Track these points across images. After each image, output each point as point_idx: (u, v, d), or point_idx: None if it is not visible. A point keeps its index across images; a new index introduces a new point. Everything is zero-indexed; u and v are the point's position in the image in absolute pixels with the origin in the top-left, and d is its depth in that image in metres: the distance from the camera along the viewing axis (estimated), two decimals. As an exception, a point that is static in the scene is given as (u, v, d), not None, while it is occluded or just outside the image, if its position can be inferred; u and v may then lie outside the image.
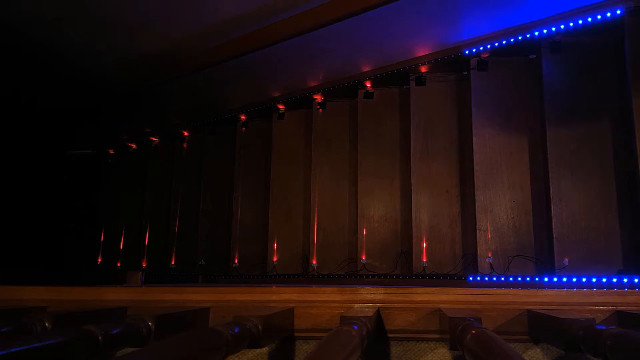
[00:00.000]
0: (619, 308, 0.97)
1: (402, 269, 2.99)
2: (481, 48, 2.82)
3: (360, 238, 3.09)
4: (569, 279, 2.38)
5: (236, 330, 0.72)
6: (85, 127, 4.55)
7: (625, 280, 2.28)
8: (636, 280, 2.25)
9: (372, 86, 3.25)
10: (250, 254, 3.56)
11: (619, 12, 2.45)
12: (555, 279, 2.41)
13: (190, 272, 3.76)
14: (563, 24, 2.59)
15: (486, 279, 2.61)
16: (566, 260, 2.45)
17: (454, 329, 0.78)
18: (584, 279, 2.35)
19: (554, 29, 2.62)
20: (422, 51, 2.98)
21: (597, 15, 2.50)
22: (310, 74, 3.32)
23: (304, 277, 3.23)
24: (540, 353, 0.97)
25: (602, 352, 0.69)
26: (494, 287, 1.01)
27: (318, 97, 3.44)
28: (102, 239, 4.45)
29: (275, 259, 3.37)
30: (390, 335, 1.01)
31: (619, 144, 2.52)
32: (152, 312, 0.84)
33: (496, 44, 2.78)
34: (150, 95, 3.68)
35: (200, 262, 3.75)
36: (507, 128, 2.82)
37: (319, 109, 3.46)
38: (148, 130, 4.31)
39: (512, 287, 1.01)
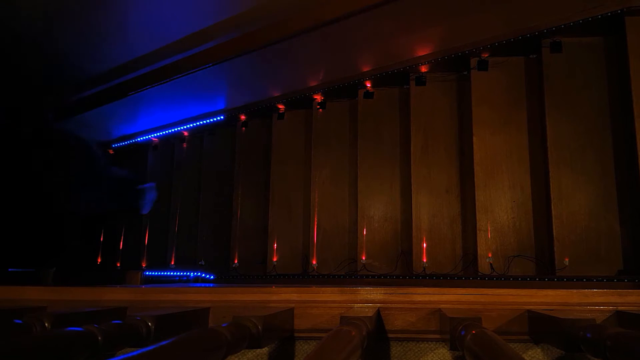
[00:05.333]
0: (619, 308, 0.97)
1: (402, 269, 2.99)
2: (481, 48, 2.82)
3: (360, 238, 3.09)
4: (569, 279, 2.38)
5: (236, 330, 0.72)
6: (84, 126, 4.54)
7: (625, 280, 2.28)
8: (636, 280, 2.25)
9: (372, 86, 3.25)
10: (250, 254, 3.57)
11: (619, 11, 2.45)
12: (555, 279, 2.41)
13: (190, 272, 3.76)
14: (563, 24, 2.59)
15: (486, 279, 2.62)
16: (566, 260, 2.45)
17: (454, 329, 0.78)
18: (584, 279, 2.35)
19: (554, 28, 2.62)
20: (422, 51, 2.99)
21: (597, 14, 2.50)
22: (310, 73, 3.32)
23: (304, 277, 3.23)
24: (541, 353, 0.97)
25: (602, 352, 0.69)
26: (494, 288, 1.01)
27: (318, 97, 3.44)
28: (102, 239, 4.45)
29: (275, 259, 3.38)
30: (390, 335, 1.01)
31: (620, 144, 2.52)
32: (152, 312, 0.84)
33: (496, 44, 2.78)
34: (148, 94, 3.68)
35: (200, 262, 3.75)
36: (507, 128, 2.82)
37: (319, 109, 3.46)
38: (147, 130, 4.31)
39: (513, 288, 1.01)
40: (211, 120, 3.94)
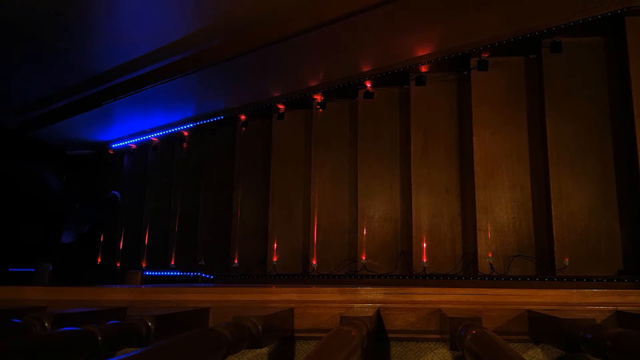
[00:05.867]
0: (619, 308, 0.97)
1: (402, 269, 2.99)
2: (481, 48, 2.82)
3: (360, 238, 3.09)
4: (569, 279, 2.38)
5: (236, 330, 0.72)
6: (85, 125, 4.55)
7: (625, 280, 2.28)
8: (636, 280, 2.25)
9: (372, 86, 3.25)
10: (250, 254, 3.56)
11: (619, 11, 2.45)
12: (555, 279, 2.41)
13: (190, 272, 3.76)
14: (563, 24, 2.59)
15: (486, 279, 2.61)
16: (566, 260, 2.45)
17: (454, 329, 0.78)
18: (584, 279, 2.35)
19: (554, 28, 2.62)
20: (422, 51, 2.98)
21: (597, 14, 2.50)
22: (310, 74, 3.32)
23: (304, 277, 3.23)
24: (541, 353, 0.97)
25: (602, 352, 0.69)
26: (494, 288, 1.01)
27: (318, 97, 3.44)
28: (102, 239, 4.45)
29: (275, 259, 3.37)
30: (390, 335, 1.01)
31: (620, 144, 2.52)
32: (152, 312, 0.84)
33: (496, 44, 2.78)
34: (147, 94, 3.68)
35: (200, 262, 3.75)
36: (507, 128, 2.82)
37: (319, 109, 3.46)
38: (147, 130, 4.31)
39: (513, 288, 1.01)
40: (211, 120, 3.94)
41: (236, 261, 3.56)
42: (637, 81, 2.38)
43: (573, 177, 2.56)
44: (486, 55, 2.88)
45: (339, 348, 0.64)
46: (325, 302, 1.03)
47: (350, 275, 3.10)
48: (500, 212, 2.73)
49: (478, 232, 2.70)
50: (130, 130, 4.37)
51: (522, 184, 2.74)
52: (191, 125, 4.08)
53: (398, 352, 1.02)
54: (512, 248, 2.68)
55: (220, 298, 1.09)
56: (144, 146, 4.43)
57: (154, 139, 4.33)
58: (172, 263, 3.91)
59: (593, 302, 0.98)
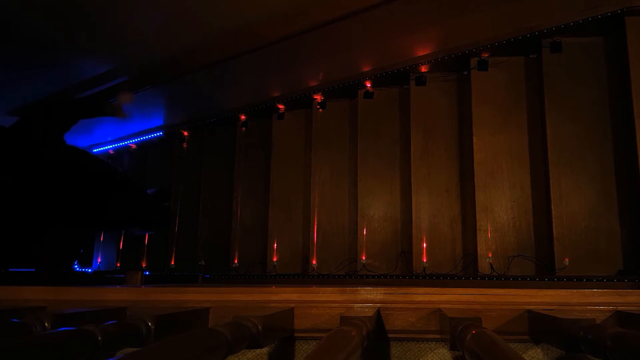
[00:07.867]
0: (619, 308, 0.97)
1: (402, 269, 2.98)
2: (481, 48, 2.82)
3: (360, 238, 3.09)
4: (569, 279, 2.38)
5: (236, 330, 0.72)
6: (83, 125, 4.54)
7: (625, 280, 2.28)
8: (636, 280, 2.25)
9: (372, 86, 3.25)
10: (250, 254, 3.56)
11: (619, 11, 2.45)
12: (555, 279, 2.41)
13: (190, 272, 3.76)
14: (563, 24, 2.59)
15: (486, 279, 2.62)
16: (566, 260, 2.45)
17: (454, 329, 0.78)
18: (584, 279, 2.35)
19: (554, 28, 2.62)
20: (422, 51, 2.99)
21: (597, 15, 2.50)
22: (310, 73, 3.32)
23: (303, 277, 3.23)
24: (541, 353, 0.97)
25: (602, 352, 0.69)
26: (494, 288, 1.01)
27: (318, 97, 3.44)
28: (101, 239, 4.45)
29: (275, 259, 3.37)
30: (390, 335, 1.01)
31: (620, 144, 2.52)
32: (152, 312, 0.84)
33: (496, 44, 2.78)
34: (147, 94, 3.68)
35: (200, 262, 3.75)
36: (507, 128, 2.82)
37: (319, 108, 3.46)
38: (147, 130, 4.31)
39: (513, 288, 1.01)
40: (211, 120, 3.94)
41: (236, 261, 3.56)
42: (637, 81, 2.38)
43: (573, 177, 2.56)
44: (486, 55, 2.88)
45: (339, 348, 0.64)
46: (325, 302, 1.03)
47: (350, 275, 3.10)
48: (500, 212, 2.73)
49: (478, 232, 2.70)
50: (130, 130, 4.37)
51: (522, 184, 2.74)
52: (191, 125, 4.09)
53: (398, 352, 1.02)
54: (512, 248, 2.68)
55: (220, 298, 1.09)
56: (143, 146, 4.43)
57: (153, 138, 4.33)
58: (172, 263, 3.91)
59: (593, 302, 0.98)
